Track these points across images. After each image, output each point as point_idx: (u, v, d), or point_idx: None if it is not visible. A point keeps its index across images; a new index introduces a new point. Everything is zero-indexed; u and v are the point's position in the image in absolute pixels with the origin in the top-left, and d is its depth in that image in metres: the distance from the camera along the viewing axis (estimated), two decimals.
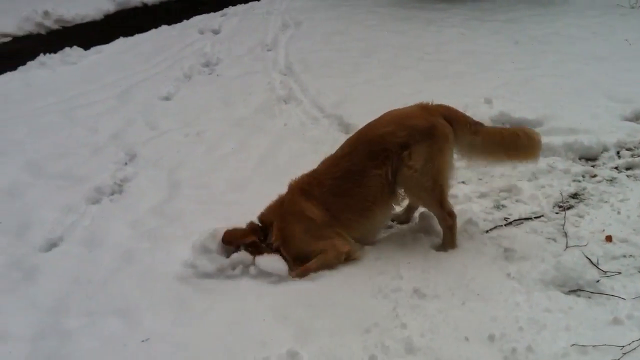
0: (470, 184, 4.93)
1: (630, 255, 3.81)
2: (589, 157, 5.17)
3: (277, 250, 4.03)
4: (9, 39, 11.91)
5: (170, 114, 7.27)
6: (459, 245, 4.07)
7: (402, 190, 4.17)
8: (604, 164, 5.07)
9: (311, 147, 5.80)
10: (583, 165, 5.05)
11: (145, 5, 14.79)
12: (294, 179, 4.21)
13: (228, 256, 4.02)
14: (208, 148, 6.21)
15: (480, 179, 5.00)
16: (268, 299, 3.71)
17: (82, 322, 3.68)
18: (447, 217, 4.06)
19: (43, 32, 12.45)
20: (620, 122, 5.69)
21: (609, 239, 3.97)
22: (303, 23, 11.09)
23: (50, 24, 12.67)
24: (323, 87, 7.52)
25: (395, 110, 4.23)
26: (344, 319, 3.45)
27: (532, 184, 4.83)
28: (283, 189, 4.24)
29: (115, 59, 10.00)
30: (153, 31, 11.63)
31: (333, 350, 3.23)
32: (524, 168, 5.00)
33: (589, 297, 3.46)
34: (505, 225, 4.31)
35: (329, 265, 3.95)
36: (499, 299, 3.50)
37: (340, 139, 4.95)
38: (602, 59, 7.64)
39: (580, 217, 4.32)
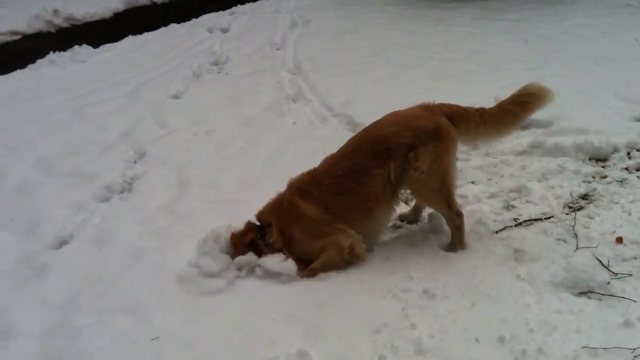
0: (480, 185, 4.91)
1: None
2: (599, 158, 5.14)
3: (279, 251, 4.02)
4: (19, 37, 12.00)
5: (180, 113, 7.29)
6: (469, 245, 4.06)
7: (409, 192, 4.17)
8: (614, 164, 5.04)
9: (320, 146, 5.78)
10: (593, 166, 5.02)
11: (154, 4, 14.85)
12: (293, 177, 4.18)
13: (233, 257, 4.02)
14: (217, 147, 6.23)
15: (490, 180, 4.98)
16: (277, 299, 3.72)
17: (92, 320, 3.69)
18: (455, 217, 4.05)
19: (53, 30, 12.54)
20: (631, 123, 5.65)
21: (619, 240, 3.94)
22: (312, 22, 11.09)
23: (60, 22, 12.75)
24: (332, 86, 7.52)
25: (398, 111, 4.20)
26: (353, 319, 3.45)
27: (542, 184, 4.80)
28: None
29: (125, 57, 10.05)
30: (162, 29, 11.68)
31: (342, 350, 3.23)
32: (533, 169, 4.99)
33: (600, 299, 3.44)
34: (515, 226, 4.29)
35: (334, 263, 3.94)
36: (508, 300, 3.49)
37: (349, 138, 4.94)
38: (612, 59, 7.59)
39: (591, 218, 4.29)
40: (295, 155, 5.76)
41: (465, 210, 4.32)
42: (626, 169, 4.96)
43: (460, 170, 5.08)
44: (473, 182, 4.96)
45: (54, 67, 9.50)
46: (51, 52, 9.94)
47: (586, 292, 3.49)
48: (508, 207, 4.57)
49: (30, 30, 12.23)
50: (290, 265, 3.94)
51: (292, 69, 8.60)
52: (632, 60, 7.55)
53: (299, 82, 7.96)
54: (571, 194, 4.60)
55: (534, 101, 4.15)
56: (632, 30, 8.85)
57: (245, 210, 4.38)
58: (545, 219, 4.34)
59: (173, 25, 11.87)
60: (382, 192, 4.01)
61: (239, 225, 4.17)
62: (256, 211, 4.21)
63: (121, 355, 3.39)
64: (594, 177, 4.86)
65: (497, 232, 4.21)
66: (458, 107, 4.18)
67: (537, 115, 5.78)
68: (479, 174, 5.07)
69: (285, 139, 6.24)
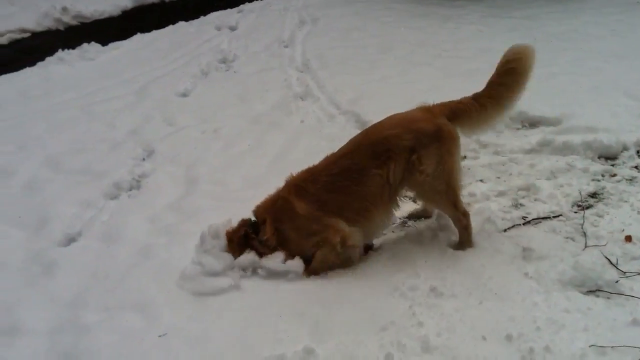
0: (489, 183, 4.89)
1: None
2: (609, 156, 5.11)
3: (274, 249, 4.02)
4: (27, 34, 12.02)
5: (188, 111, 7.30)
6: (477, 244, 4.05)
7: (415, 195, 4.16)
8: (623, 163, 5.01)
9: (328, 144, 5.73)
10: (602, 164, 4.99)
11: (162, 2, 14.86)
12: (291, 174, 4.17)
13: (227, 252, 4.04)
14: (225, 145, 6.23)
15: (499, 178, 4.96)
16: (284, 296, 3.72)
17: (100, 317, 3.71)
18: (462, 217, 4.03)
19: (61, 27, 12.56)
20: None
21: (628, 239, 3.93)
22: (320, 19, 11.08)
23: (69, 19, 12.77)
24: (340, 84, 7.51)
25: (398, 113, 4.16)
26: (360, 317, 3.45)
27: (550, 182, 4.78)
28: None
29: (133, 55, 10.06)
30: (170, 27, 11.68)
31: (349, 347, 3.24)
32: (542, 167, 4.97)
33: (608, 298, 3.43)
34: (523, 224, 4.28)
35: (329, 261, 3.94)
36: (516, 298, 3.48)
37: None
38: (621, 57, 7.53)
39: (600, 216, 4.27)
40: (303, 154, 5.74)
41: (473, 209, 4.31)
42: (636, 167, 4.93)
43: (469, 169, 5.08)
44: (482, 180, 4.94)
45: (62, 64, 9.53)
46: (60, 50, 9.95)
47: (594, 291, 3.48)
48: (516, 205, 4.56)
49: (39, 28, 12.25)
50: (297, 263, 3.96)
51: (300, 66, 8.59)
52: None
53: (306, 80, 7.95)
54: (580, 192, 4.57)
55: (518, 64, 4.10)
56: None
57: (252, 209, 4.38)
58: (553, 217, 4.32)
59: (181, 23, 11.87)
60: (380, 194, 3.97)
61: (238, 221, 4.18)
62: (254, 207, 4.20)
63: (129, 352, 3.41)
64: (603, 176, 4.83)
65: (505, 230, 4.20)
66: (454, 102, 4.13)
67: (546, 113, 5.82)
68: (488, 172, 5.05)
69: (293, 137, 6.24)
